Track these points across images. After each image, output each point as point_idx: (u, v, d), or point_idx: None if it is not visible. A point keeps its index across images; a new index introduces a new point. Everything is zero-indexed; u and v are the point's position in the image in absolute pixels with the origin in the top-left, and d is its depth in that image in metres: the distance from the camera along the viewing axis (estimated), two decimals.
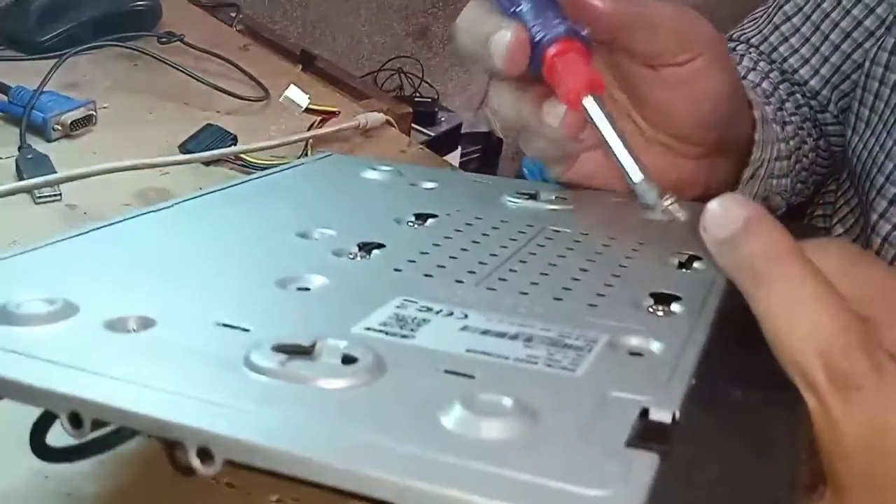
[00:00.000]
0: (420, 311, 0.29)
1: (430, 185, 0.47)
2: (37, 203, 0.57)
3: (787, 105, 0.63)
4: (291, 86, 0.63)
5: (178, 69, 0.75)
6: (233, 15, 0.95)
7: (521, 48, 0.40)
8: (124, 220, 0.37)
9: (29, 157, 0.61)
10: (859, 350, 0.25)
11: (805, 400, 0.26)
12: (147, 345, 0.26)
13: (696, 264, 0.35)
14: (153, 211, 0.39)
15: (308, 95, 0.63)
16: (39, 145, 0.63)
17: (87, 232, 0.36)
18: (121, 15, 0.83)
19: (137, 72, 0.78)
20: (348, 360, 0.25)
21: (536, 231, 0.39)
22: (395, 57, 1.77)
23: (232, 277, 0.32)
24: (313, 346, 0.25)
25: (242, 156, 0.61)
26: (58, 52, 0.74)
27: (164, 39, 0.81)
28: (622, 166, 0.39)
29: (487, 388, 0.23)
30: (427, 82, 1.80)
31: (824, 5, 0.63)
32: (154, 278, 0.32)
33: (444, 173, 0.51)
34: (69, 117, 0.65)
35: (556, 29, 0.39)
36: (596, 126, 0.39)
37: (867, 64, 0.59)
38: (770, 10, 0.67)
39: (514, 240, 0.37)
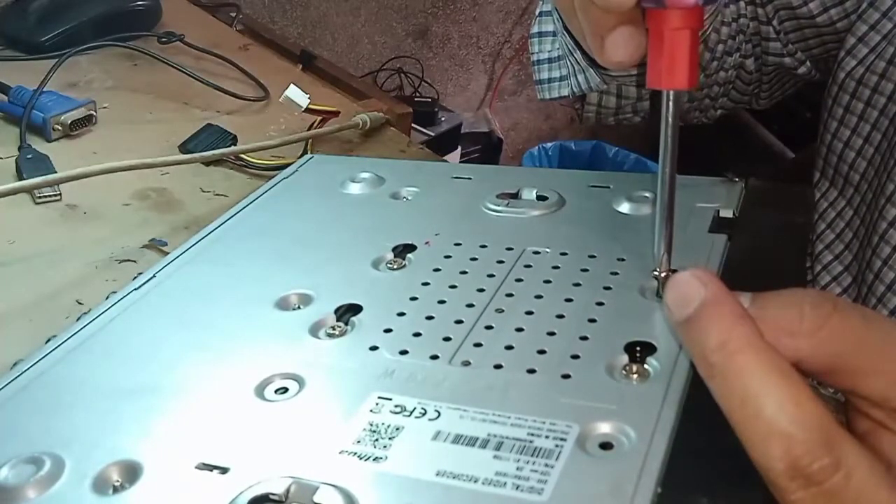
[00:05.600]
0: (394, 412, 0.30)
1: (411, 191, 0.47)
2: (37, 203, 0.57)
3: (730, 8, 0.62)
4: (291, 86, 0.63)
5: (178, 69, 0.75)
6: (233, 15, 0.95)
7: None
8: (92, 320, 0.38)
9: (29, 157, 0.61)
10: (820, 447, 0.25)
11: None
12: None
13: None
14: (122, 297, 0.40)
15: (308, 95, 0.63)
16: (39, 145, 0.63)
17: (57, 347, 0.37)
18: (121, 15, 0.83)
19: (137, 72, 0.78)
20: None
21: (516, 257, 0.39)
22: (395, 57, 1.77)
23: (211, 387, 0.33)
24: (287, 491, 0.27)
25: (242, 156, 0.61)
26: (58, 52, 0.74)
27: (164, 39, 0.81)
28: (657, 217, 0.34)
29: None
30: (427, 82, 1.80)
31: None
32: (133, 406, 0.32)
33: (426, 171, 0.51)
34: (69, 117, 0.65)
35: None
36: (663, 123, 0.33)
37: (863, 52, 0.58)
38: None
39: (493, 276, 0.37)
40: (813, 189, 0.46)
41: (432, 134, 1.61)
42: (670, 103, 0.32)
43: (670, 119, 0.33)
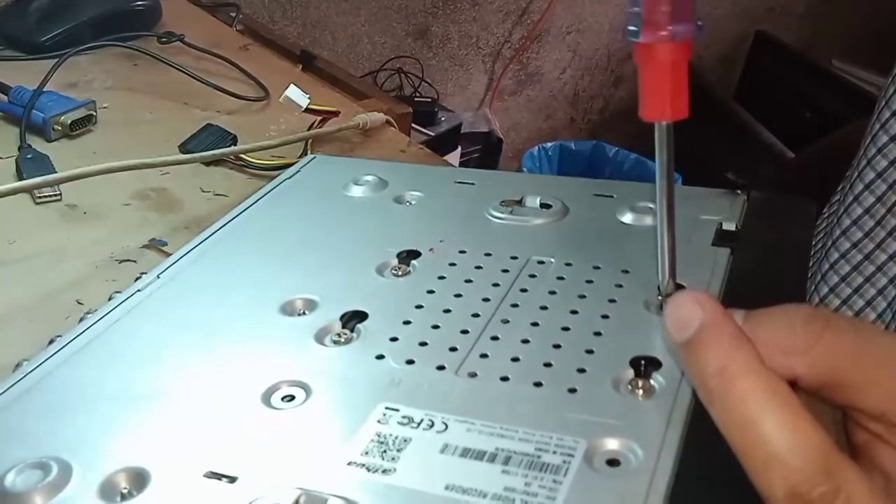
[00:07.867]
0: (402, 423, 0.30)
1: (414, 195, 0.47)
2: (37, 203, 0.57)
3: None
4: (291, 86, 0.63)
5: (178, 69, 0.75)
6: (233, 15, 0.95)
7: None
8: (95, 322, 0.38)
9: (29, 157, 0.61)
10: (820, 473, 0.25)
11: None
12: None
13: None
14: (125, 299, 0.39)
15: (308, 95, 0.63)
16: (39, 145, 0.63)
17: (61, 349, 0.36)
18: (121, 15, 0.83)
19: (137, 72, 0.78)
20: None
21: (520, 266, 0.39)
22: (395, 57, 1.76)
23: (217, 393, 0.33)
24: (296, 503, 0.27)
25: (242, 156, 0.61)
26: (58, 52, 0.74)
27: (164, 39, 0.81)
28: (658, 243, 0.33)
29: None
30: (427, 82, 1.80)
31: None
32: (140, 411, 0.32)
33: (429, 175, 0.51)
34: (69, 117, 0.65)
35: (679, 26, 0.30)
36: (657, 156, 0.32)
37: None
38: None
39: (498, 285, 0.37)
40: (813, 202, 0.46)
41: (432, 134, 1.61)
42: (663, 134, 0.31)
43: (664, 150, 0.32)
